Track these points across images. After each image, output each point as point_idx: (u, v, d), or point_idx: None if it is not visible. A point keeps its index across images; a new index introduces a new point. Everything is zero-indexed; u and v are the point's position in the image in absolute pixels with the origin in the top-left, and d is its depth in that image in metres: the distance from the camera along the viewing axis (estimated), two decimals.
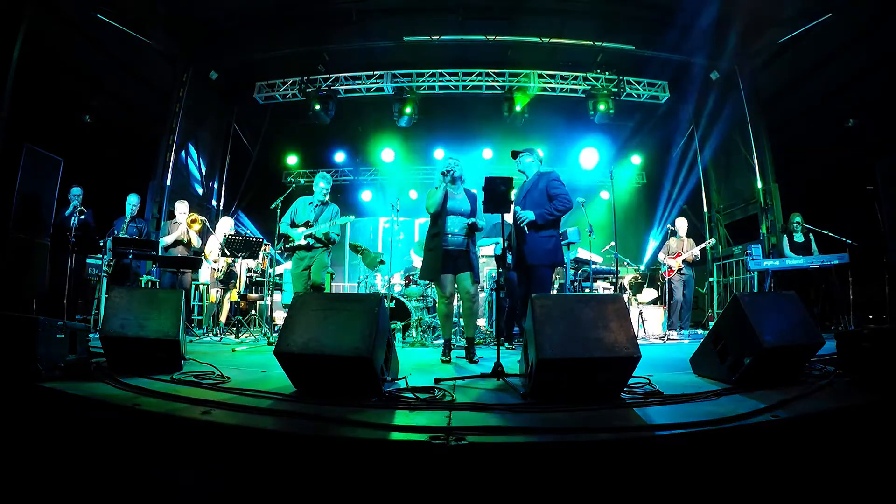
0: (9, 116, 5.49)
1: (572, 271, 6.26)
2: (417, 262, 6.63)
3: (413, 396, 2.17)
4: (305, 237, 4.55)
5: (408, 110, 8.90)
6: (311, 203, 4.77)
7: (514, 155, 4.28)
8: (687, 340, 5.81)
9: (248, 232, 9.82)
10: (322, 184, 4.80)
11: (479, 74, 8.72)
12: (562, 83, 8.69)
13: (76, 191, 5.79)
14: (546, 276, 4.08)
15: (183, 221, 6.30)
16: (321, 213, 4.73)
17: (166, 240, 6.17)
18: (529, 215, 3.92)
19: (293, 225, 4.72)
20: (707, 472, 1.62)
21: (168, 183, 8.02)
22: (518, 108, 8.86)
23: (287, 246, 4.63)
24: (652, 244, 10.06)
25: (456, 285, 3.86)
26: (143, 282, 6.17)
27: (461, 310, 4.06)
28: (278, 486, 1.59)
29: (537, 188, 4.14)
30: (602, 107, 8.41)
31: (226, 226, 6.66)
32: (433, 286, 5.06)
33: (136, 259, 5.89)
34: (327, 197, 4.84)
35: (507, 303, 5.46)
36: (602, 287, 6.63)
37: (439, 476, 1.50)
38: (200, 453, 1.72)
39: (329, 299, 2.52)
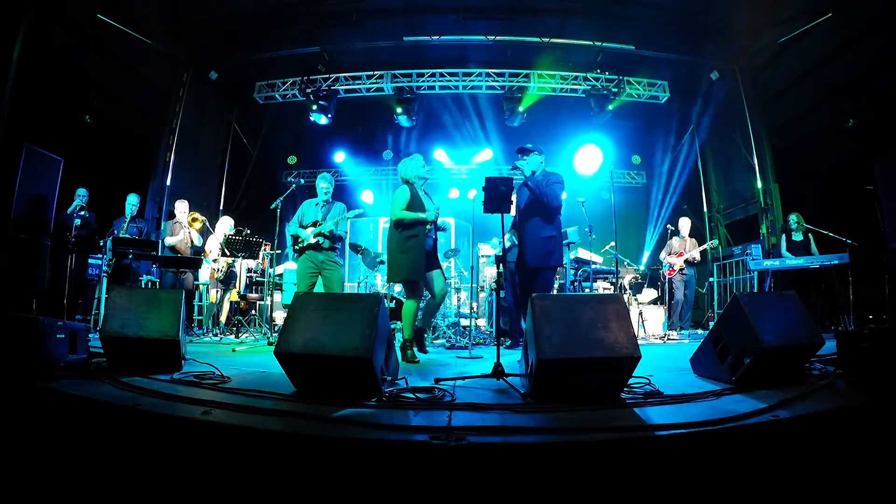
0: (9, 116, 5.49)
1: (572, 271, 6.26)
2: None
3: (413, 396, 2.17)
4: (315, 236, 4.57)
5: (406, 110, 8.90)
6: (316, 204, 4.78)
7: (523, 151, 4.27)
8: (687, 340, 5.80)
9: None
10: (323, 184, 4.81)
11: (479, 74, 8.72)
12: (562, 83, 8.69)
13: (81, 191, 5.83)
14: (548, 278, 4.10)
15: (184, 220, 6.30)
16: (328, 211, 4.74)
17: (168, 240, 6.17)
18: (527, 169, 4.19)
19: (301, 227, 4.73)
20: (707, 472, 1.62)
21: (168, 183, 8.02)
22: (521, 109, 8.87)
23: (297, 247, 4.62)
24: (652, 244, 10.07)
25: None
26: (143, 282, 6.17)
27: (428, 306, 4.16)
28: (279, 486, 1.59)
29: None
30: (610, 107, 8.41)
31: (226, 226, 6.66)
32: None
33: (136, 259, 5.89)
34: (329, 196, 4.84)
35: (506, 302, 5.46)
36: (602, 287, 6.62)
37: (439, 476, 1.50)
38: (201, 453, 1.72)
39: (329, 299, 2.52)
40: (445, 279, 4.07)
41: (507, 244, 4.75)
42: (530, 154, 4.26)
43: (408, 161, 4.17)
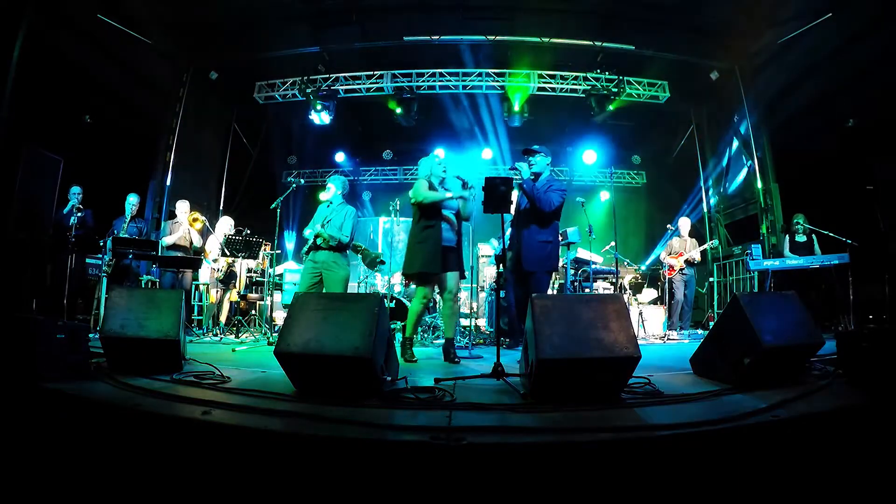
0: (9, 116, 5.49)
1: (572, 271, 6.25)
2: None
3: (413, 396, 2.17)
4: (315, 236, 4.54)
5: (406, 110, 8.89)
6: (327, 206, 4.76)
7: (529, 153, 4.26)
8: (687, 340, 5.80)
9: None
10: (330, 185, 4.79)
11: (479, 74, 8.72)
12: (562, 83, 8.68)
13: (75, 189, 5.81)
14: (543, 282, 4.10)
15: (184, 221, 6.30)
16: (334, 214, 4.68)
17: (167, 240, 6.17)
18: (526, 174, 4.14)
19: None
20: (707, 472, 1.62)
21: (168, 183, 8.02)
22: (517, 108, 8.86)
23: (305, 248, 4.62)
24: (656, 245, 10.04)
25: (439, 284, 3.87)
26: (143, 282, 6.17)
27: (442, 309, 4.03)
28: (279, 486, 1.59)
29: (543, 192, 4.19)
30: (610, 107, 8.42)
31: (226, 226, 6.66)
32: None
33: (136, 259, 5.89)
34: (333, 196, 4.76)
35: (506, 302, 5.46)
36: (602, 287, 6.62)
37: (439, 476, 1.50)
38: (201, 453, 1.72)
39: (329, 299, 2.52)
40: (460, 281, 3.92)
41: (498, 251, 4.77)
42: (536, 155, 4.25)
43: (425, 160, 4.11)
